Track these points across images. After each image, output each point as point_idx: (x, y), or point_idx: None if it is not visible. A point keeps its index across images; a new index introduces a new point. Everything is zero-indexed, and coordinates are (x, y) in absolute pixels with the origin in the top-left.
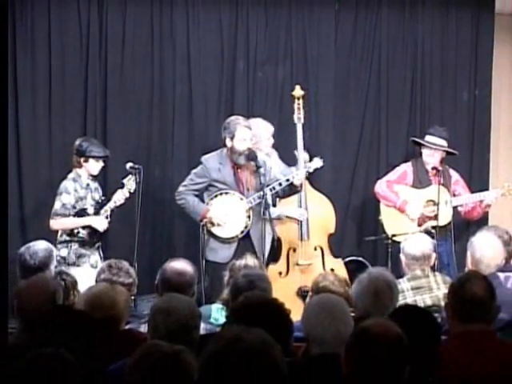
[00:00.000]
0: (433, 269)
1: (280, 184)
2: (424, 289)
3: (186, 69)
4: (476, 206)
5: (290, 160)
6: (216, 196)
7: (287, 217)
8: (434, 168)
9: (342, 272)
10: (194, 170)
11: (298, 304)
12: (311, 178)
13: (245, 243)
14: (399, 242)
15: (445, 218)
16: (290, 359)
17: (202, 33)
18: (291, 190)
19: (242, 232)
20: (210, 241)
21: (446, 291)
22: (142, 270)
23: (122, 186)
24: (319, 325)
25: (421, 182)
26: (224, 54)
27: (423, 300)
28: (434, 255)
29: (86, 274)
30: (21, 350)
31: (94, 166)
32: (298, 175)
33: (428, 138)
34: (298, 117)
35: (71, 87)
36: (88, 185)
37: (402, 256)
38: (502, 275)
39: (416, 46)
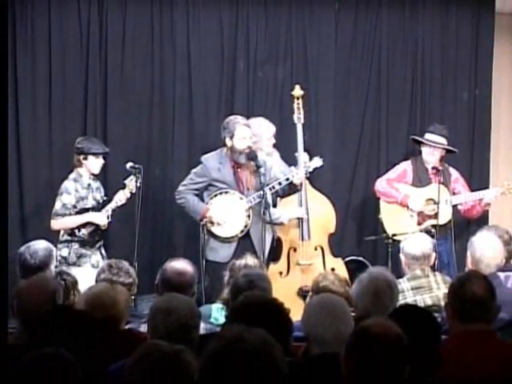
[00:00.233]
0: (433, 268)
1: (280, 183)
2: (424, 289)
3: (186, 69)
4: (475, 204)
5: (290, 160)
6: (216, 195)
7: (290, 220)
8: (434, 168)
9: (343, 271)
10: (194, 170)
11: (299, 304)
12: (311, 177)
13: (245, 243)
14: (399, 242)
15: (445, 216)
16: (291, 359)
17: (202, 33)
18: (291, 189)
19: (242, 231)
20: (210, 240)
21: (446, 291)
22: (141, 269)
23: (124, 186)
24: (319, 324)
25: (420, 180)
26: (224, 53)
27: (423, 300)
28: (433, 255)
29: (87, 274)
30: (21, 349)
31: (94, 164)
32: (297, 174)
33: (428, 136)
34: (298, 117)
35: (71, 87)
36: (89, 185)
37: (401, 256)
38: (502, 275)
39: (416, 46)
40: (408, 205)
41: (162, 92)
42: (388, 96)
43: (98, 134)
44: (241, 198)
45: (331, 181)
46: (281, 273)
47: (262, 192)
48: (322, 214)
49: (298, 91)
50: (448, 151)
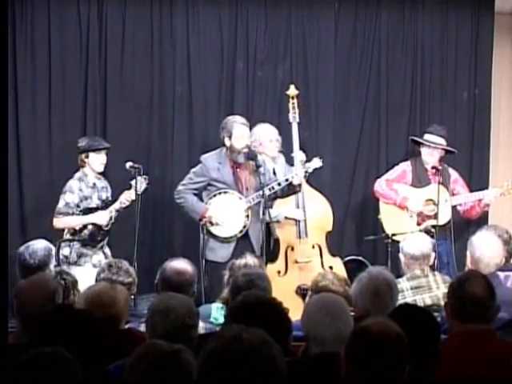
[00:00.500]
0: (432, 268)
1: (279, 184)
2: (423, 288)
3: (186, 69)
4: (475, 205)
5: (289, 160)
6: (215, 195)
7: (286, 218)
8: (433, 167)
9: (341, 270)
10: (193, 169)
11: (298, 302)
12: (310, 177)
13: (244, 243)
14: (399, 242)
15: (444, 216)
16: (290, 358)
17: (202, 33)
18: (290, 189)
19: (241, 231)
20: (210, 240)
21: (446, 291)
22: (141, 269)
23: (130, 187)
24: (319, 324)
25: (420, 181)
26: (224, 53)
27: (423, 299)
28: (433, 255)
29: (88, 274)
30: (21, 349)
31: (96, 160)
32: (296, 175)
33: (427, 136)
34: (294, 116)
35: (71, 87)
36: (94, 184)
37: (401, 256)
38: (501, 274)
39: (416, 46)
40: (407, 207)
41: (162, 92)
42: (387, 95)
43: (97, 134)
44: (240, 198)
45: (331, 181)
46: (279, 272)
47: (261, 192)
48: (318, 212)
49: (292, 90)
50: (447, 152)
